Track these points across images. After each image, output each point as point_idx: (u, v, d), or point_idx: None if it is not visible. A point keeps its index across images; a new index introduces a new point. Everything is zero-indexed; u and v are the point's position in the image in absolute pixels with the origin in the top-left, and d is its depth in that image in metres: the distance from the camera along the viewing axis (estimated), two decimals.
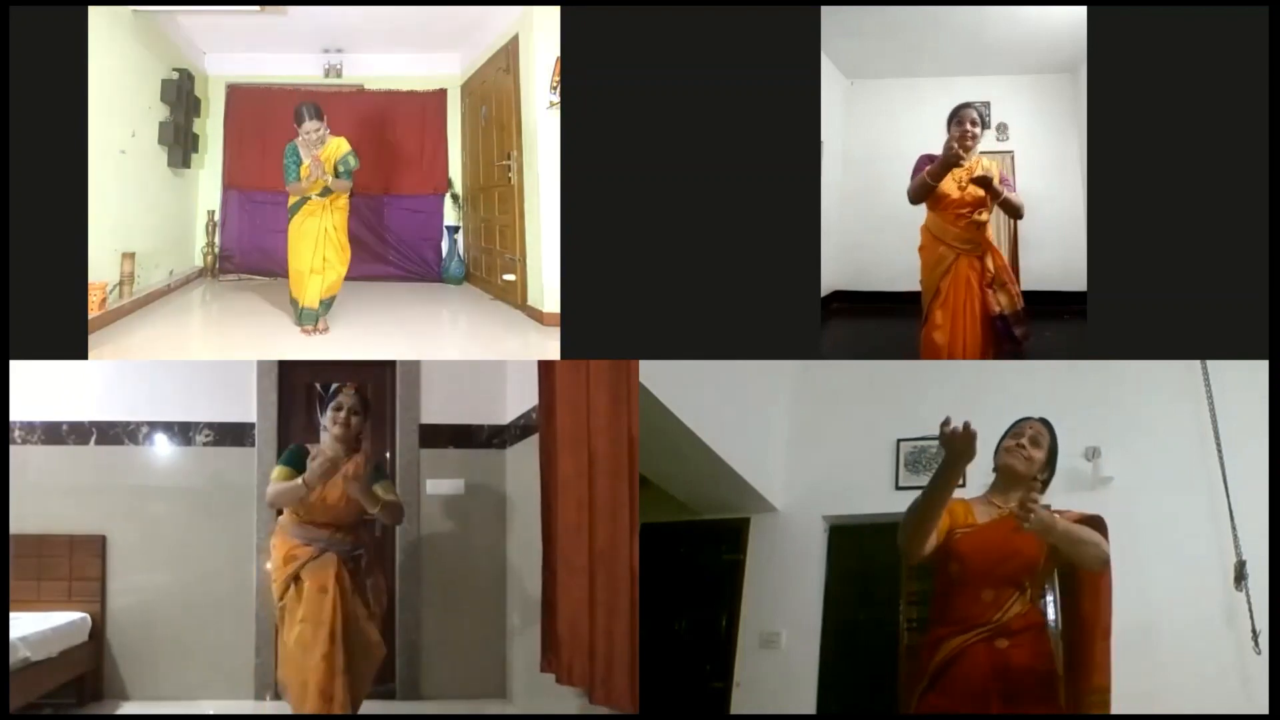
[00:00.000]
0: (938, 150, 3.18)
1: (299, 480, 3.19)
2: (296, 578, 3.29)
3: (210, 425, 4.63)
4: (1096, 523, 2.35)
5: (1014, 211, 3.29)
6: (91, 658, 4.35)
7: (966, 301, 3.22)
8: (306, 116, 4.05)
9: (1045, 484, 2.41)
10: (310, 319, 4.18)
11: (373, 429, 4.84)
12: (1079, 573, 2.35)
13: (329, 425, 3.36)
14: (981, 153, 3.27)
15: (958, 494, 2.28)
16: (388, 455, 4.80)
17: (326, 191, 4.11)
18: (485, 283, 5.75)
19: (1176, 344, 2.84)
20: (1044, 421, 2.46)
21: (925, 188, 3.18)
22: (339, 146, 4.09)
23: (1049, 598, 2.52)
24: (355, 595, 3.33)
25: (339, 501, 3.31)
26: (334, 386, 3.43)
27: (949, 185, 3.20)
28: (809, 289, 2.95)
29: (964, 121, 3.12)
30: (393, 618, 4.54)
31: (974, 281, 3.22)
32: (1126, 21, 2.86)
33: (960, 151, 3.08)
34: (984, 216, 3.22)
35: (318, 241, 4.12)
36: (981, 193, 3.16)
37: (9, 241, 2.77)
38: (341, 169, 4.08)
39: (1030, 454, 2.36)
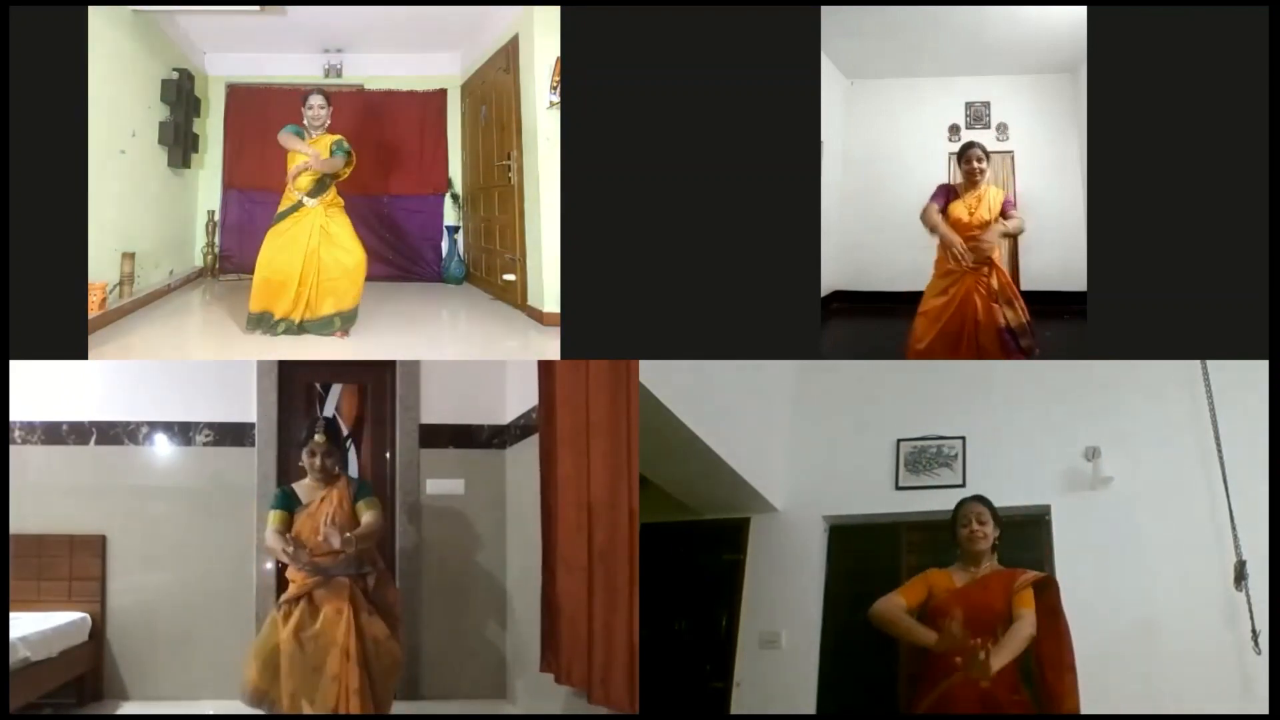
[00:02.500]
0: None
1: (288, 546, 3.36)
2: (310, 596, 3.37)
3: (210, 425, 4.63)
4: (1047, 583, 2.81)
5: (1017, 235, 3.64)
6: (91, 658, 4.35)
7: (974, 315, 3.49)
8: (314, 93, 4.16)
9: (998, 543, 2.89)
10: (292, 329, 4.04)
11: (373, 429, 4.86)
12: (1039, 619, 2.73)
13: (305, 464, 3.55)
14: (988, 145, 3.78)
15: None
16: (388, 455, 4.80)
17: (319, 190, 4.05)
18: (485, 283, 5.75)
19: (1176, 344, 2.85)
20: (978, 498, 2.95)
21: (929, 225, 3.54)
22: (333, 136, 4.12)
23: None
24: (373, 616, 3.39)
25: (329, 528, 3.44)
26: (309, 426, 3.62)
27: (960, 210, 3.52)
28: (809, 289, 2.95)
29: (970, 160, 3.50)
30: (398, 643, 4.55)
31: (980, 297, 3.49)
32: (1126, 21, 2.86)
33: (960, 253, 3.47)
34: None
35: (308, 248, 4.02)
36: (987, 217, 3.49)
37: (9, 241, 2.78)
38: (336, 149, 4.07)
39: (985, 532, 2.84)
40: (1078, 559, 3.41)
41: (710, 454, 3.33)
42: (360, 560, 3.43)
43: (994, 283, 3.51)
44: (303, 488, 3.56)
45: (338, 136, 4.12)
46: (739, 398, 3.61)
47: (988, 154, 3.54)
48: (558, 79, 4.08)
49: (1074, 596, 2.93)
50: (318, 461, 3.51)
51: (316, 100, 4.14)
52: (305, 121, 4.13)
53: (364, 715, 3.30)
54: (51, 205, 2.82)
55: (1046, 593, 2.75)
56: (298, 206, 4.08)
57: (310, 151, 4.02)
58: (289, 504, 3.48)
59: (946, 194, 3.56)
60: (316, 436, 3.53)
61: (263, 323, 4.06)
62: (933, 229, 3.50)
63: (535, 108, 4.63)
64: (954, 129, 6.14)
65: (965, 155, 3.54)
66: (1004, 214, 3.53)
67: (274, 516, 3.46)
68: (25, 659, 3.57)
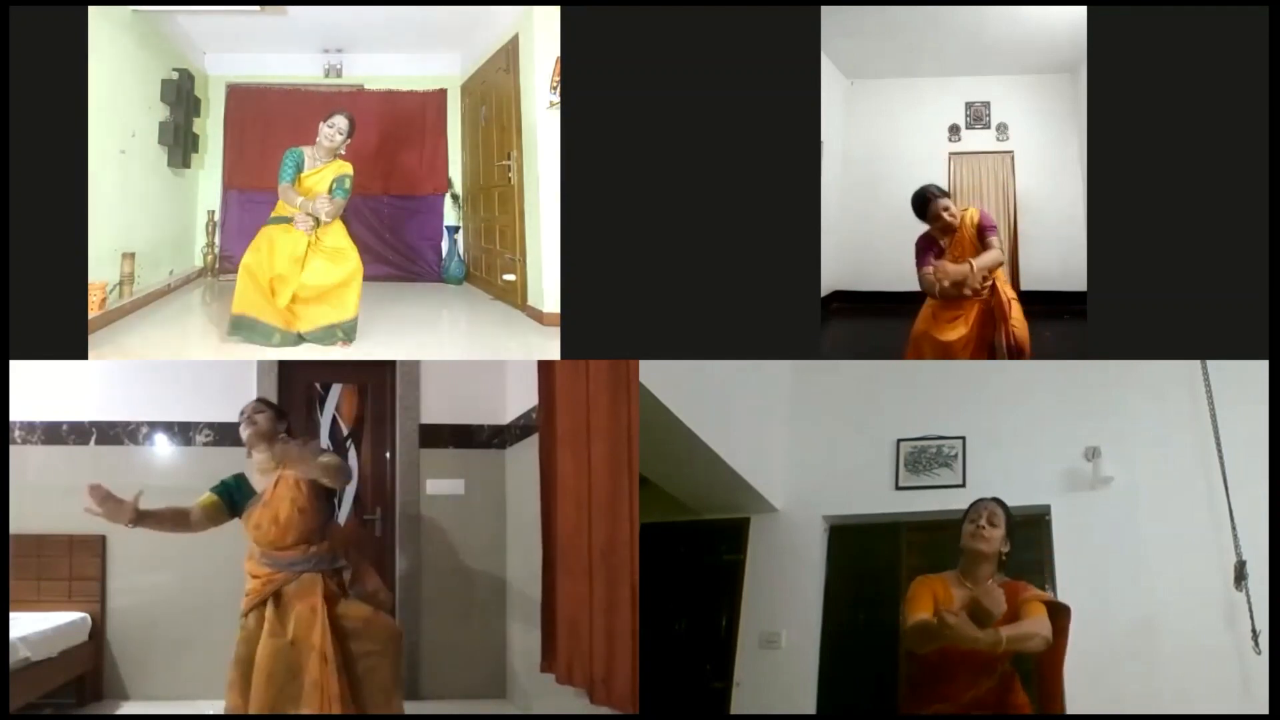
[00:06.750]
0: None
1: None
2: (277, 595, 3.18)
3: (210, 425, 4.64)
4: (1057, 609, 2.52)
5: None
6: (91, 658, 4.36)
7: (991, 326, 3.24)
8: (339, 114, 3.73)
9: (1006, 557, 2.59)
10: (290, 341, 3.74)
11: (373, 429, 4.86)
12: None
13: (250, 443, 3.26)
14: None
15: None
16: (388, 456, 4.80)
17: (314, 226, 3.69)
18: (485, 283, 5.75)
19: (1176, 344, 2.84)
20: (998, 501, 2.64)
21: (935, 283, 3.21)
22: (340, 168, 3.76)
23: None
24: (352, 602, 3.23)
25: (292, 516, 3.19)
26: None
27: (946, 258, 3.24)
28: (809, 289, 2.95)
29: (938, 213, 3.19)
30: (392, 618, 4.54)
31: (992, 309, 3.24)
32: (1126, 21, 2.86)
33: (938, 282, 3.16)
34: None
35: (298, 251, 3.67)
36: (971, 254, 3.21)
37: (9, 241, 2.78)
38: (335, 186, 3.70)
39: (989, 534, 2.55)
40: (1078, 559, 3.41)
41: (710, 454, 3.33)
42: (333, 555, 3.26)
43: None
44: (256, 479, 3.30)
45: (345, 171, 3.78)
46: (739, 398, 3.61)
47: (945, 192, 3.26)
48: (558, 79, 4.07)
49: (1074, 596, 2.93)
50: (248, 426, 3.22)
51: (339, 122, 3.68)
52: (318, 139, 3.71)
53: (365, 715, 3.27)
54: (51, 205, 2.82)
55: (1058, 617, 2.50)
56: (289, 220, 3.71)
57: (301, 214, 3.65)
58: (230, 495, 3.26)
59: (930, 248, 3.28)
60: (251, 404, 3.32)
61: (245, 328, 3.75)
62: (943, 282, 3.20)
63: (535, 108, 4.63)
64: (954, 129, 6.15)
65: (929, 211, 3.22)
66: (982, 237, 3.23)
67: (204, 499, 3.26)
68: (25, 659, 3.58)
